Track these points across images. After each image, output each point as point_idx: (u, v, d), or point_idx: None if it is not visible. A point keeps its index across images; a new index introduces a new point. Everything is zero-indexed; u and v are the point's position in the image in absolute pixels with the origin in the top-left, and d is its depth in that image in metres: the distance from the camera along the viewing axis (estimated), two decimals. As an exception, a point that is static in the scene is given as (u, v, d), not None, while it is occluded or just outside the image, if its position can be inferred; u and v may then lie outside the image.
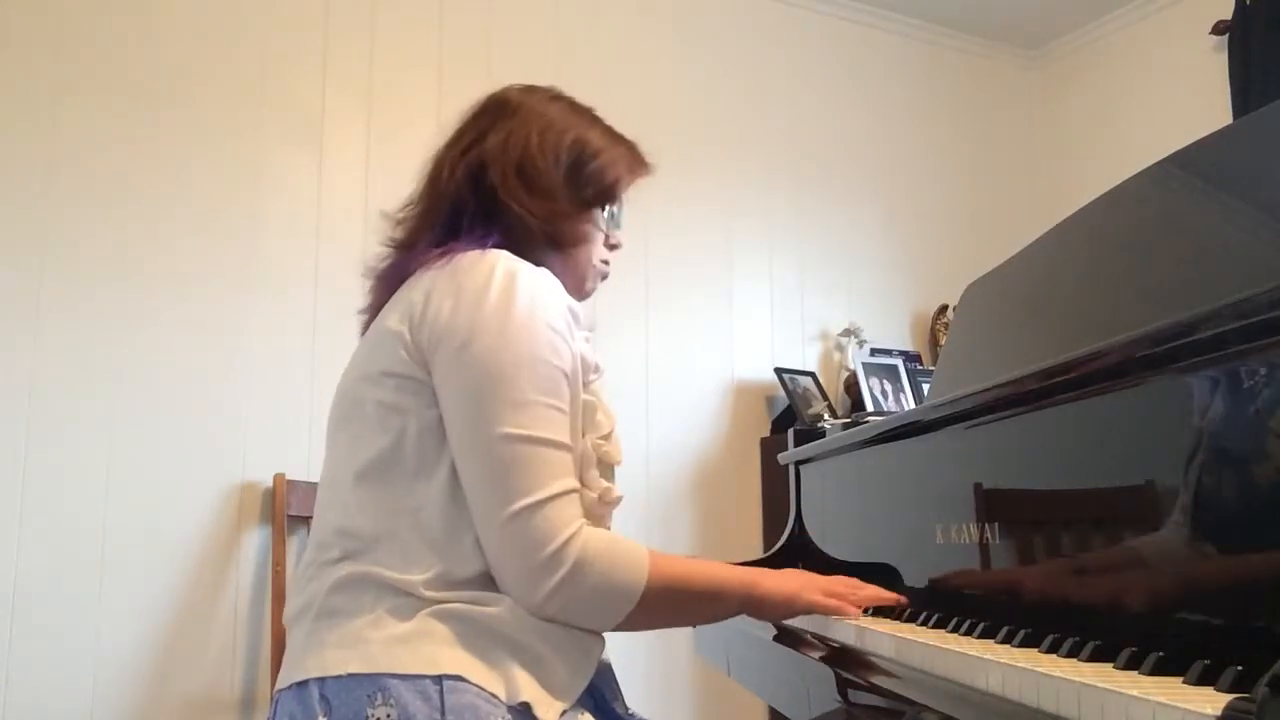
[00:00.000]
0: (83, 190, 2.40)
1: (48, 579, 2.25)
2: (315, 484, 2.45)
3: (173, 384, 2.43)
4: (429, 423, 1.03)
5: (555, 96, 1.24)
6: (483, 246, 1.08)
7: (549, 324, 1.04)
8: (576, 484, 1.02)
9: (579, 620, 1.02)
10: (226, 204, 2.54)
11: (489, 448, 0.99)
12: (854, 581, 1.22)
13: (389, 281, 1.16)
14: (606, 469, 1.12)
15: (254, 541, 2.46)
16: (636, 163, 1.24)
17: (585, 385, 1.08)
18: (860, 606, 1.19)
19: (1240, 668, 0.66)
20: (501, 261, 1.05)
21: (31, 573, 2.24)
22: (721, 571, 1.14)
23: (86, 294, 2.37)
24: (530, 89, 1.25)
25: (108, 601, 2.30)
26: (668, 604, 1.06)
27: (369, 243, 2.64)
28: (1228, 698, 0.61)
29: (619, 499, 1.11)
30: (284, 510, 2.42)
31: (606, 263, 1.25)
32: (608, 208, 1.22)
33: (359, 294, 2.82)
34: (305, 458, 2.52)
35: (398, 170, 2.71)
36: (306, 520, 2.46)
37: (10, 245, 2.32)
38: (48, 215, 2.36)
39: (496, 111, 1.22)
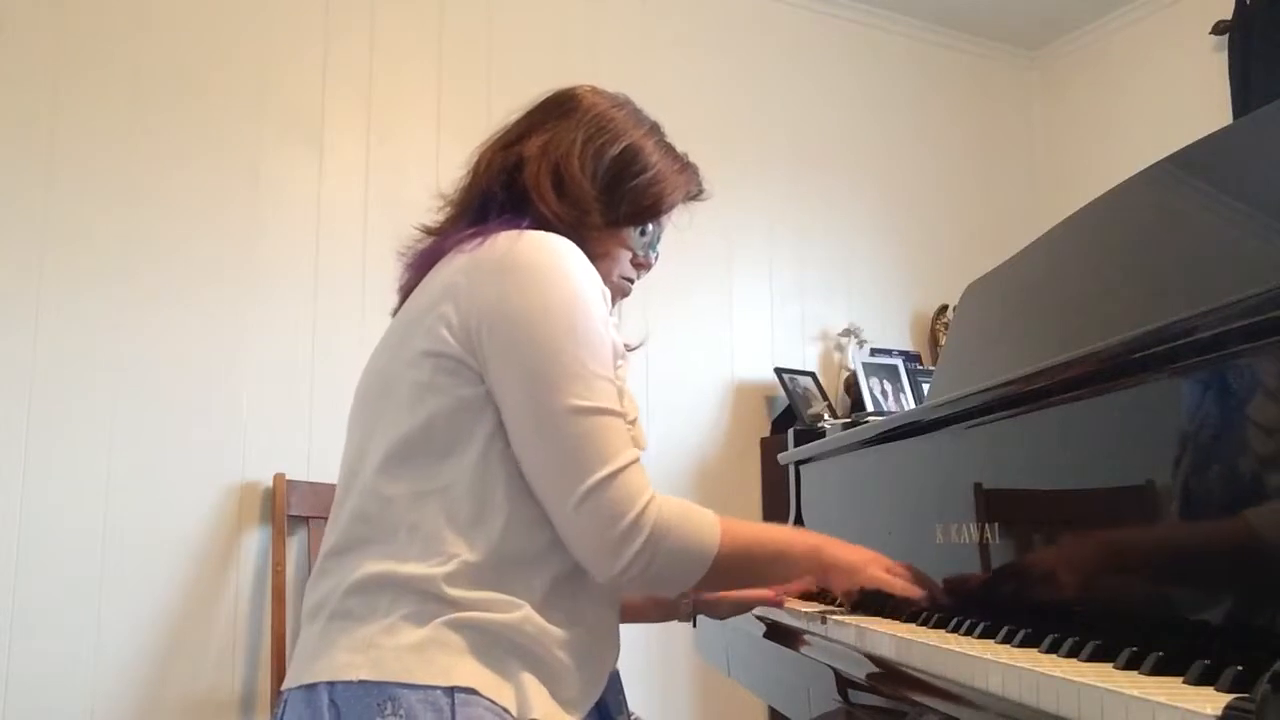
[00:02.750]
0: (83, 190, 2.40)
1: (48, 579, 2.25)
2: (315, 484, 2.47)
3: (173, 384, 2.43)
4: (463, 402, 1.02)
5: (620, 104, 1.21)
6: (518, 228, 1.07)
7: (593, 297, 1.04)
8: (639, 452, 1.03)
9: (654, 586, 1.04)
10: (226, 204, 2.54)
11: (558, 423, 0.98)
12: (913, 568, 1.21)
13: (420, 265, 1.14)
14: None
15: (254, 541, 2.46)
16: (684, 186, 1.21)
17: (615, 371, 1.08)
18: (919, 597, 1.18)
19: (1240, 668, 0.66)
20: (541, 239, 1.05)
21: (31, 573, 2.24)
22: (788, 534, 1.16)
23: (86, 294, 2.37)
24: (598, 91, 1.21)
25: (108, 601, 2.30)
26: (737, 566, 1.08)
27: (369, 242, 2.67)
28: (1228, 698, 0.61)
29: None
30: (284, 510, 2.42)
31: (631, 280, 1.22)
32: (642, 228, 1.19)
33: (359, 294, 2.83)
34: (305, 458, 2.52)
35: (398, 170, 2.74)
36: (306, 520, 2.46)
37: (10, 245, 2.32)
38: (48, 215, 2.36)
39: (551, 109, 1.19)
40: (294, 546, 2.46)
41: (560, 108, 1.18)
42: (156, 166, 2.48)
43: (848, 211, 3.45)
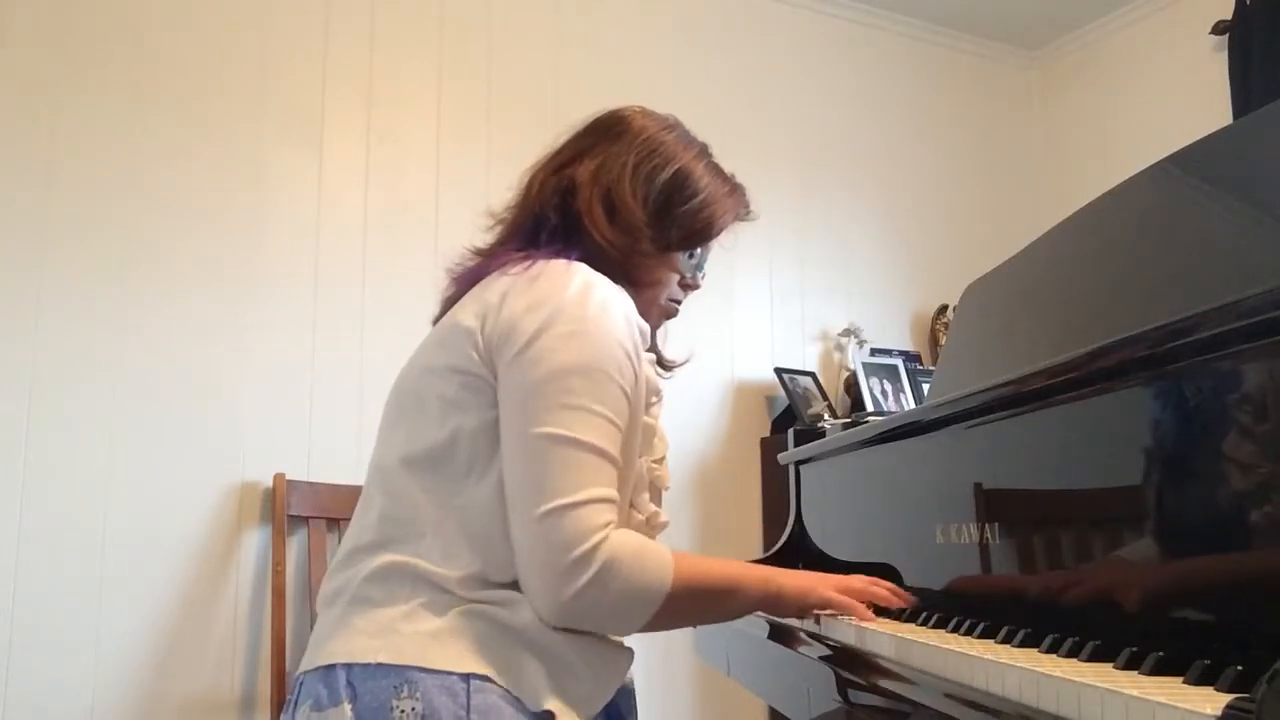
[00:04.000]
0: (83, 190, 2.40)
1: (48, 579, 2.25)
2: (315, 484, 2.47)
3: (173, 384, 2.43)
4: (487, 423, 1.03)
5: (670, 126, 1.21)
6: (567, 259, 1.08)
7: (618, 340, 1.03)
8: (615, 495, 1.00)
9: (600, 624, 1.01)
10: (226, 204, 2.54)
11: (531, 445, 0.98)
12: (868, 579, 1.22)
13: (465, 281, 1.15)
14: (656, 493, 1.14)
15: (254, 541, 2.46)
16: (734, 208, 1.22)
17: (647, 408, 1.09)
18: (873, 601, 1.19)
19: (1240, 668, 0.66)
20: (583, 273, 1.05)
21: (31, 573, 2.24)
22: (737, 568, 1.14)
23: (86, 294, 2.37)
24: (647, 113, 1.22)
25: (108, 601, 2.30)
26: (689, 605, 1.05)
27: (369, 242, 2.67)
28: (1228, 698, 0.60)
29: (665, 524, 1.13)
30: (284, 510, 2.42)
31: (678, 303, 1.23)
32: (691, 250, 1.20)
33: (359, 294, 2.84)
34: (305, 458, 2.52)
35: (398, 170, 2.74)
36: (306, 520, 2.46)
37: (10, 245, 2.32)
38: (48, 215, 2.36)
39: (602, 132, 1.19)
40: (294, 546, 2.46)
41: (610, 130, 1.18)
42: (156, 166, 2.48)
43: (848, 211, 3.45)
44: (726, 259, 3.16)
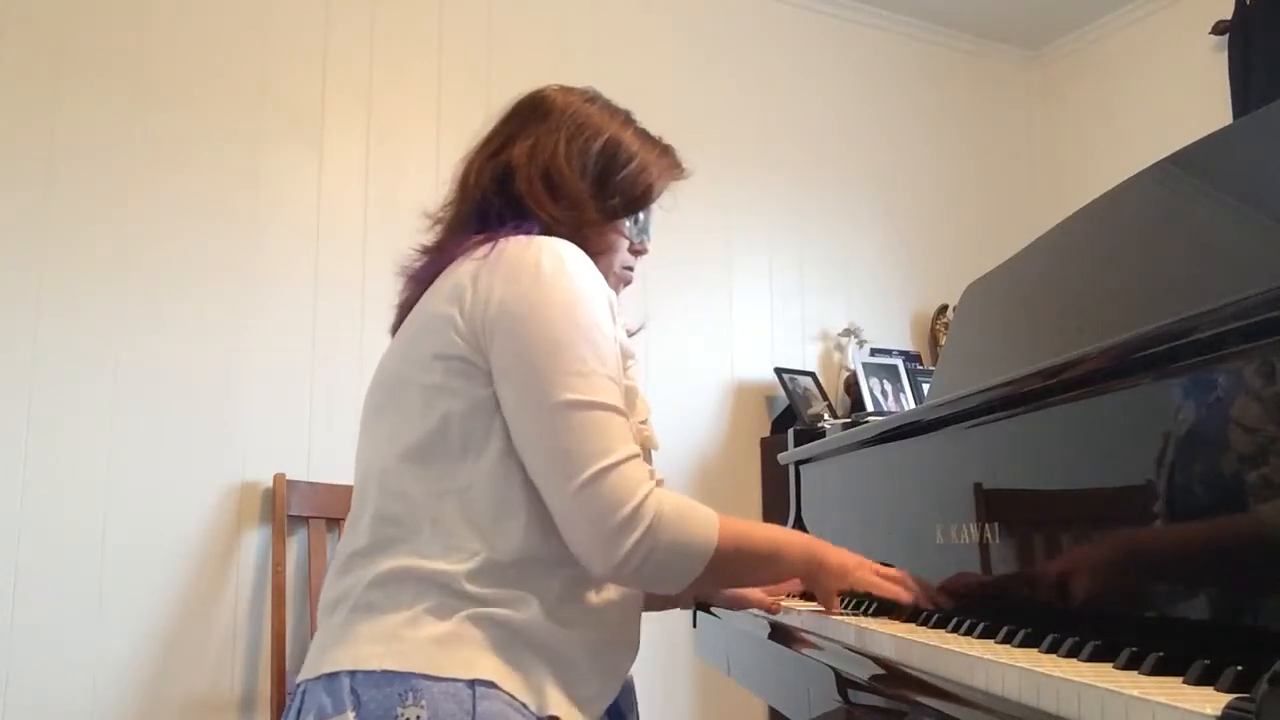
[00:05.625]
0: (83, 190, 2.40)
1: (48, 579, 2.25)
2: (315, 484, 2.47)
3: (172, 384, 2.43)
4: (477, 402, 1.03)
5: (591, 98, 1.23)
6: (528, 234, 1.09)
7: (598, 301, 1.05)
8: (639, 449, 1.02)
9: (655, 581, 1.02)
10: (226, 204, 2.54)
11: (555, 416, 0.99)
12: (903, 573, 1.23)
13: (423, 279, 1.15)
14: (646, 454, 1.14)
15: (254, 541, 2.46)
16: (669, 169, 1.24)
17: (625, 370, 1.09)
18: (909, 587, 1.19)
19: (1240, 668, 0.66)
20: (549, 243, 1.06)
21: (31, 573, 2.24)
22: (782, 533, 1.17)
23: (86, 294, 2.37)
24: (567, 90, 1.23)
25: (108, 601, 2.30)
26: (735, 562, 1.07)
27: (369, 242, 2.67)
28: (1228, 698, 0.61)
29: (661, 481, 1.13)
30: (284, 510, 2.42)
31: (630, 269, 1.25)
32: (635, 216, 1.21)
33: (359, 293, 2.83)
34: (305, 458, 2.52)
35: (398, 170, 2.74)
36: (307, 520, 2.46)
37: (10, 245, 2.32)
38: (48, 215, 2.36)
39: (528, 114, 1.20)
40: (294, 546, 2.46)
41: (535, 111, 1.20)
42: (156, 167, 2.48)
43: (848, 211, 3.45)
44: (726, 259, 3.19)
